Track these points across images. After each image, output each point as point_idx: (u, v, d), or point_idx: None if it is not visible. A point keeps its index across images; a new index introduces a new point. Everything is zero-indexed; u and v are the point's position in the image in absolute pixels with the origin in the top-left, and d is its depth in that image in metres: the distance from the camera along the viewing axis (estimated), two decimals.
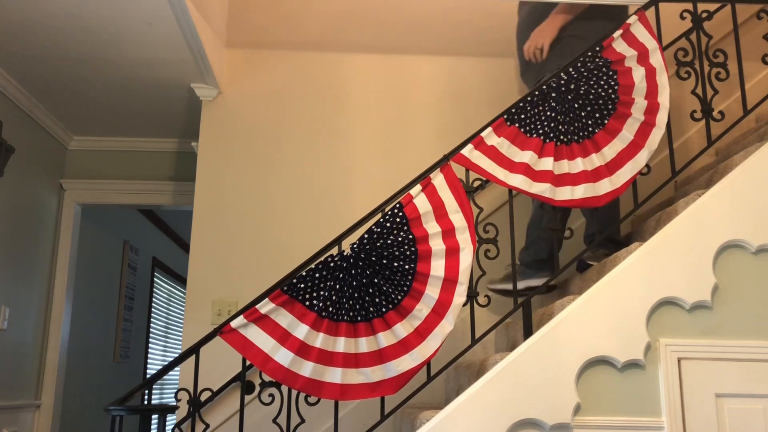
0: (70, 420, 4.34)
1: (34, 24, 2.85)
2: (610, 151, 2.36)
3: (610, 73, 2.43)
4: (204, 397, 2.62)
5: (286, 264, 3.11)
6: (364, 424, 3.00)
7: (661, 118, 2.39)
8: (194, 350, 2.12)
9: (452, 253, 2.17)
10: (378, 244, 2.15)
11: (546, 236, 2.68)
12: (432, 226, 2.18)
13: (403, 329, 2.09)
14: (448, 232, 2.18)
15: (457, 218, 2.20)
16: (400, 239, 2.15)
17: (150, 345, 6.15)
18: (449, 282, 2.13)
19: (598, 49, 2.44)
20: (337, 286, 2.10)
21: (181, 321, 6.66)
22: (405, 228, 2.17)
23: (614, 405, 1.96)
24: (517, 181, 2.28)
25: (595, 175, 2.33)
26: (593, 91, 2.40)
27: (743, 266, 2.08)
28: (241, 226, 3.24)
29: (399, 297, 2.12)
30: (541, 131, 2.34)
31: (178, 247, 6.91)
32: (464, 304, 2.14)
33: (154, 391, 4.96)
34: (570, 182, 2.31)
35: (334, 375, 2.05)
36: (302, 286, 2.09)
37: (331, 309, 2.08)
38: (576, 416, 1.93)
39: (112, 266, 5.13)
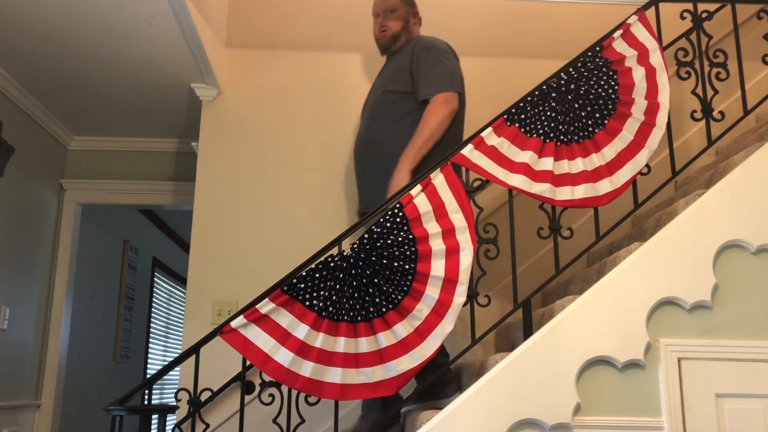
0: (70, 420, 4.34)
1: (34, 24, 2.85)
2: (610, 151, 2.36)
3: (610, 73, 2.43)
4: (204, 397, 2.62)
5: (286, 264, 3.11)
6: None
7: (661, 118, 2.39)
8: (194, 350, 2.12)
9: (452, 253, 2.17)
10: (378, 244, 2.15)
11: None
12: (432, 226, 2.18)
13: (403, 329, 2.09)
14: (448, 232, 2.18)
15: (457, 218, 2.20)
16: (400, 239, 2.15)
17: (150, 345, 6.15)
18: (449, 282, 2.13)
19: (598, 49, 2.44)
20: (337, 286, 2.10)
21: (181, 321, 6.66)
22: (405, 228, 2.17)
23: (614, 405, 1.96)
24: (517, 181, 2.28)
25: (595, 175, 2.33)
26: (593, 91, 2.40)
27: (743, 266, 2.08)
28: (241, 226, 3.24)
29: (399, 297, 2.12)
30: (541, 131, 2.34)
31: (178, 247, 6.91)
32: (464, 304, 2.15)
33: (154, 391, 4.96)
34: (570, 182, 2.31)
35: (334, 375, 2.05)
36: (302, 286, 2.09)
37: (331, 309, 2.08)
38: (576, 416, 1.93)
39: (112, 266, 5.13)
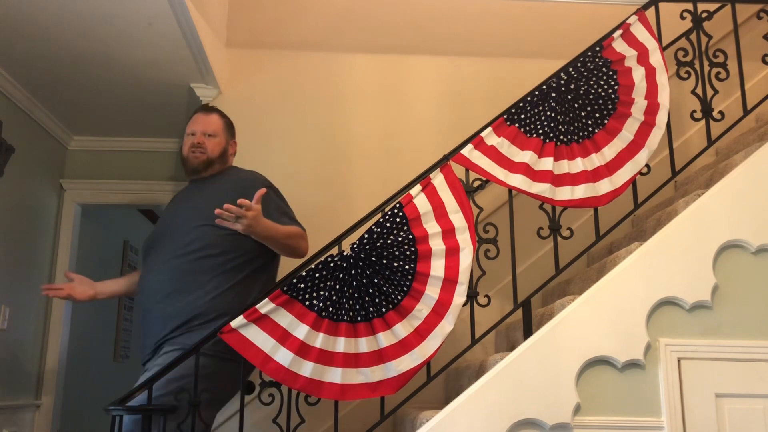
0: (70, 420, 4.33)
1: (34, 24, 2.85)
2: (610, 151, 2.36)
3: (610, 73, 2.43)
4: None
5: (286, 264, 3.11)
6: (364, 424, 3.00)
7: (661, 118, 2.40)
8: (194, 350, 2.12)
9: (452, 253, 2.17)
10: (378, 244, 2.15)
11: None
12: (432, 226, 2.19)
13: (403, 329, 2.10)
14: (448, 232, 2.18)
15: (457, 218, 2.21)
16: (400, 239, 2.15)
17: None
18: (449, 282, 2.14)
19: (598, 49, 2.44)
20: (337, 286, 2.10)
21: None
22: (405, 228, 2.17)
23: (614, 405, 1.96)
24: (517, 181, 2.28)
25: (595, 175, 2.33)
26: (593, 91, 2.40)
27: (743, 266, 2.08)
28: None
29: (399, 297, 2.12)
30: (541, 131, 2.34)
31: None
32: (464, 304, 2.15)
33: None
34: (570, 182, 2.31)
35: (334, 375, 2.05)
36: (302, 286, 2.09)
37: (331, 309, 2.08)
38: (576, 416, 1.93)
39: (112, 266, 5.13)
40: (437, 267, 2.15)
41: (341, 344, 2.06)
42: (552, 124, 2.35)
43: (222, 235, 2.38)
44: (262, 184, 2.43)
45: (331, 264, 2.12)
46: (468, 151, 2.29)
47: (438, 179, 2.24)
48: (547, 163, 2.31)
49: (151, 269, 2.47)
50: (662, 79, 2.43)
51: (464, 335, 2.78)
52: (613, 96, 2.41)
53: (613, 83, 2.42)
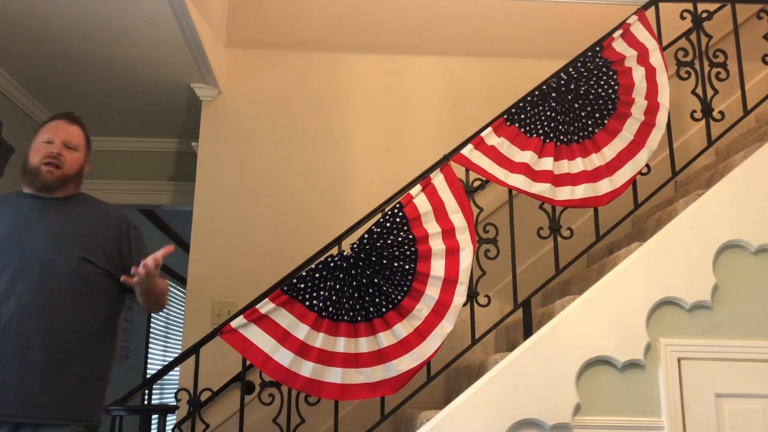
0: None
1: (34, 24, 2.85)
2: (610, 151, 2.36)
3: (610, 73, 2.43)
4: (204, 397, 2.62)
5: (286, 264, 3.11)
6: (364, 424, 3.00)
7: (661, 118, 2.40)
8: (194, 350, 2.12)
9: (452, 253, 2.17)
10: (378, 244, 2.15)
11: None
12: (432, 226, 2.19)
13: (403, 329, 2.10)
14: (448, 232, 2.19)
15: (457, 218, 2.21)
16: (400, 239, 2.15)
17: (150, 345, 6.15)
18: (449, 282, 2.14)
19: (598, 49, 2.44)
20: (337, 286, 2.10)
21: (181, 321, 6.65)
22: (405, 228, 2.17)
23: (614, 405, 1.96)
24: (517, 181, 2.28)
25: (595, 175, 2.33)
26: (593, 91, 2.40)
27: (743, 266, 2.08)
28: (240, 226, 3.23)
29: (399, 297, 2.12)
30: (541, 131, 2.34)
31: (178, 247, 6.91)
32: (464, 304, 2.15)
33: (154, 391, 4.96)
34: (570, 182, 2.31)
35: (334, 375, 2.05)
36: (302, 286, 2.09)
37: (331, 309, 2.08)
38: (576, 416, 1.93)
39: None
40: (437, 267, 2.15)
41: (341, 344, 2.06)
42: (552, 124, 2.35)
43: (99, 274, 2.12)
44: (132, 223, 2.27)
45: (331, 264, 2.12)
46: (468, 151, 2.29)
47: (438, 179, 2.24)
48: (547, 163, 2.31)
49: (12, 293, 1.99)
50: (662, 79, 2.43)
51: (464, 335, 2.78)
52: (613, 96, 2.41)
53: (613, 83, 2.42)
